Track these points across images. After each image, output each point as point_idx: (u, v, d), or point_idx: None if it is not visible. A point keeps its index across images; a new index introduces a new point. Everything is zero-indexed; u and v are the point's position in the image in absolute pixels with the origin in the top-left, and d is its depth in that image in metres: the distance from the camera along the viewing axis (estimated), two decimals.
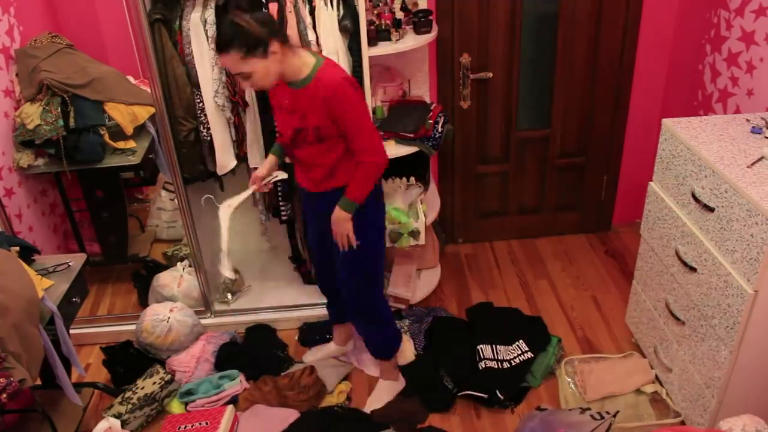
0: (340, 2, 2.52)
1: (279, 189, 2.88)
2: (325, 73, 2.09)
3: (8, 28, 2.82)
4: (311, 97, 2.10)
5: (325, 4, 2.48)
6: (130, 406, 2.58)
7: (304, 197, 2.33)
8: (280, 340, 3.03)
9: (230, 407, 2.53)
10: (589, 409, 2.28)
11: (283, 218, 2.97)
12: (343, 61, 2.56)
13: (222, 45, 1.99)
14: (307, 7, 2.49)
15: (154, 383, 2.66)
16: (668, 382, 2.50)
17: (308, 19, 2.49)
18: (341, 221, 2.26)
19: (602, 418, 2.19)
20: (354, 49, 2.57)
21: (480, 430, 2.54)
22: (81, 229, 3.23)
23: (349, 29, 2.53)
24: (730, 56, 2.77)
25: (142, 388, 2.64)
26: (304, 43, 2.52)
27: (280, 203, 2.91)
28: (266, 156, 2.54)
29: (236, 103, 2.66)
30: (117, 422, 2.42)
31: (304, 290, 3.22)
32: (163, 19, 2.52)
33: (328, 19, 2.48)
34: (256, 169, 2.78)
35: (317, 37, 2.51)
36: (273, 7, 2.47)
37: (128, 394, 2.63)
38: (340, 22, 2.52)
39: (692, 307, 2.26)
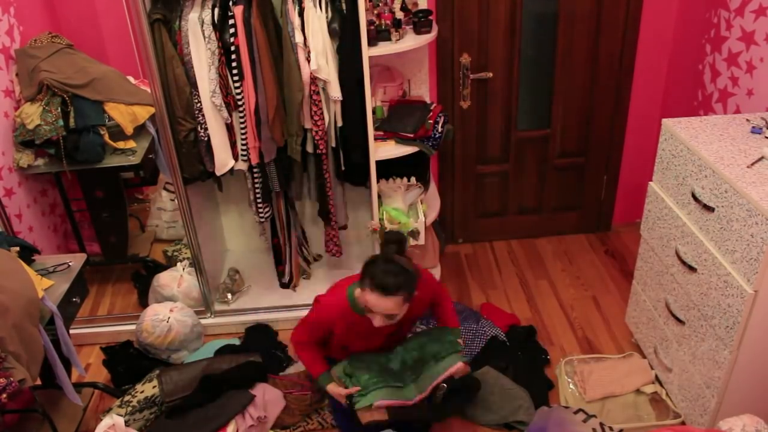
0: (329, 5, 2.53)
1: (257, 189, 2.87)
2: (423, 286, 2.24)
3: (8, 28, 2.82)
4: (412, 306, 2.19)
5: (314, 6, 2.49)
6: (129, 408, 2.57)
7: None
8: (281, 340, 3.03)
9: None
10: (594, 416, 2.25)
11: (261, 219, 2.96)
12: (331, 63, 2.57)
13: (395, 288, 2.05)
14: (296, 8, 2.49)
15: (154, 387, 2.65)
16: (668, 382, 2.50)
17: (297, 21, 2.49)
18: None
19: None
20: (343, 52, 2.58)
21: (480, 429, 2.55)
22: (81, 229, 3.23)
23: (337, 32, 2.54)
24: (730, 56, 2.77)
25: (142, 391, 2.64)
26: (291, 45, 2.53)
27: (258, 205, 2.91)
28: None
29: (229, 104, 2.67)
30: (120, 420, 2.42)
31: (303, 290, 3.22)
32: (163, 19, 2.52)
33: (317, 21, 2.49)
34: (242, 170, 2.81)
35: (305, 39, 2.51)
36: (238, 11, 2.47)
37: (127, 397, 2.63)
38: (329, 25, 2.52)
39: (692, 307, 2.26)
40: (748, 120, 2.35)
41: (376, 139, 2.73)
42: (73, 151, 2.83)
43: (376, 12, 2.71)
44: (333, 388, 2.38)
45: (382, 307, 2.07)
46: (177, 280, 3.08)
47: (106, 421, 2.29)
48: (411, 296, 2.10)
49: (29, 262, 2.32)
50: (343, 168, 2.86)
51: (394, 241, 2.23)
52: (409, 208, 2.93)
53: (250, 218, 3.35)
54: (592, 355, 2.80)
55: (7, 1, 2.80)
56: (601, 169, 3.57)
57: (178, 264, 3.16)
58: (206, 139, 2.71)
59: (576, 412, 2.28)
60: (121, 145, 2.95)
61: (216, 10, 2.51)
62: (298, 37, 2.51)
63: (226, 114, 2.66)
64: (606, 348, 2.91)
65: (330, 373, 2.39)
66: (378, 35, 2.62)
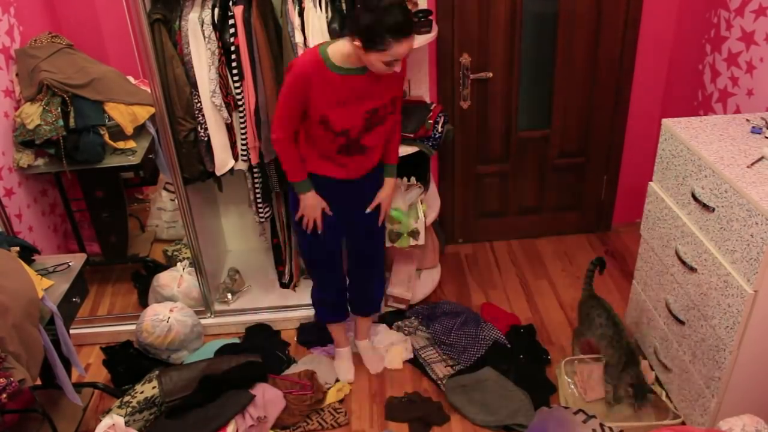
0: (329, 5, 2.53)
1: (258, 189, 2.87)
2: None
3: (8, 28, 2.82)
4: (390, 74, 2.14)
5: (314, 6, 2.49)
6: (129, 409, 2.57)
7: (333, 191, 2.37)
8: (281, 340, 3.03)
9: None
10: (594, 417, 2.25)
11: (261, 219, 2.96)
12: None
13: (411, 28, 2.01)
14: (296, 8, 2.49)
15: (154, 387, 2.65)
16: (668, 382, 2.50)
17: (297, 21, 2.50)
18: (393, 190, 2.44)
19: None
20: None
21: (480, 430, 2.55)
22: (81, 229, 3.23)
23: (337, 32, 2.54)
24: (730, 56, 2.77)
25: (141, 392, 2.64)
26: (291, 45, 2.53)
27: (258, 205, 2.91)
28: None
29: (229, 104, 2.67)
30: (121, 420, 2.41)
31: (303, 290, 3.22)
32: (163, 19, 2.52)
33: (317, 21, 2.49)
34: (242, 170, 2.82)
35: (305, 39, 2.51)
36: (238, 11, 2.47)
37: (127, 398, 2.62)
38: (329, 25, 2.52)
39: (692, 307, 2.26)
40: (748, 120, 2.35)
41: None
42: (73, 151, 2.83)
43: None
44: (311, 197, 2.34)
45: (409, 49, 2.02)
46: (177, 280, 3.08)
47: (106, 421, 2.28)
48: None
49: (29, 262, 2.32)
50: None
51: None
52: (409, 208, 2.93)
53: (250, 218, 3.35)
54: (592, 356, 2.79)
55: (7, 1, 2.80)
56: (601, 169, 3.56)
57: (178, 264, 3.16)
58: (206, 139, 2.71)
59: (576, 413, 2.27)
60: (121, 145, 2.95)
61: (216, 10, 2.51)
62: (298, 37, 2.51)
63: (226, 114, 2.67)
64: None
65: (309, 181, 2.34)
66: None
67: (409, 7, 2.76)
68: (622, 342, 2.44)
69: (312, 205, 2.36)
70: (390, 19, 1.94)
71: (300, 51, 2.53)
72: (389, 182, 2.48)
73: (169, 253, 3.34)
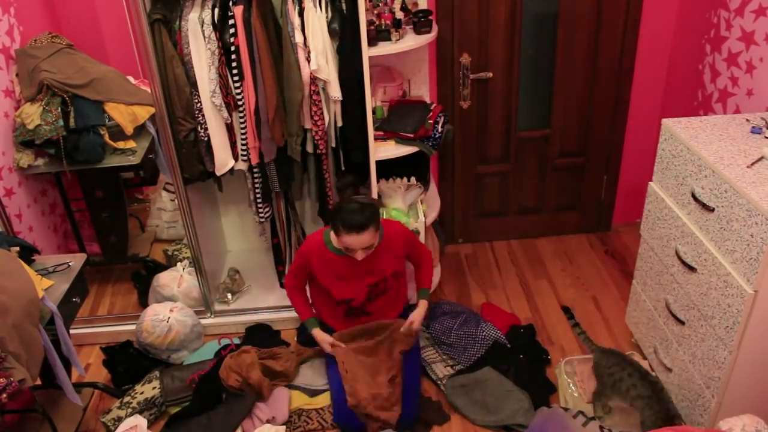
0: (329, 5, 2.53)
1: (257, 189, 2.87)
2: (389, 226, 2.54)
3: (8, 28, 2.82)
4: (387, 249, 2.50)
5: (314, 6, 2.49)
6: (129, 410, 2.57)
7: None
8: (281, 340, 3.03)
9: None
10: (593, 419, 2.25)
11: (261, 219, 2.96)
12: (331, 63, 2.57)
13: (365, 224, 2.30)
14: (296, 8, 2.49)
15: (154, 388, 2.65)
16: (668, 382, 2.50)
17: (297, 21, 2.50)
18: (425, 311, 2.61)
19: None
20: (343, 52, 2.58)
21: (480, 430, 2.55)
22: (81, 229, 3.23)
23: (337, 32, 2.54)
24: (730, 56, 2.77)
25: (141, 393, 2.64)
26: (291, 45, 2.53)
27: (258, 205, 2.91)
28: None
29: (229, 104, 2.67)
30: (144, 421, 2.41)
31: None
32: (163, 19, 2.52)
33: (317, 21, 2.49)
34: (242, 170, 2.83)
35: (305, 39, 2.51)
36: (238, 11, 2.47)
37: (127, 398, 2.62)
38: (329, 25, 2.52)
39: (692, 307, 2.26)
40: (748, 120, 2.35)
41: (376, 139, 2.73)
42: (73, 151, 2.83)
43: (376, 12, 2.71)
44: (318, 333, 2.57)
45: (360, 243, 2.32)
46: (177, 280, 3.08)
47: (129, 420, 2.29)
48: (378, 224, 2.37)
49: (29, 262, 2.32)
50: (343, 168, 2.86)
51: (348, 185, 2.62)
52: (409, 208, 2.93)
53: (250, 218, 3.35)
54: (593, 356, 2.79)
55: (7, 1, 2.80)
56: (601, 169, 3.57)
57: (178, 264, 3.16)
58: (206, 139, 2.71)
59: (575, 416, 2.27)
60: (121, 145, 2.95)
61: (216, 10, 2.51)
62: (298, 37, 2.52)
63: (226, 114, 2.67)
64: None
65: (316, 319, 2.61)
66: (378, 35, 2.63)
67: (410, 7, 2.79)
68: (662, 400, 2.30)
69: (323, 339, 2.58)
70: (344, 214, 2.31)
71: (300, 51, 2.53)
72: (423, 303, 2.63)
73: (169, 253, 3.35)
